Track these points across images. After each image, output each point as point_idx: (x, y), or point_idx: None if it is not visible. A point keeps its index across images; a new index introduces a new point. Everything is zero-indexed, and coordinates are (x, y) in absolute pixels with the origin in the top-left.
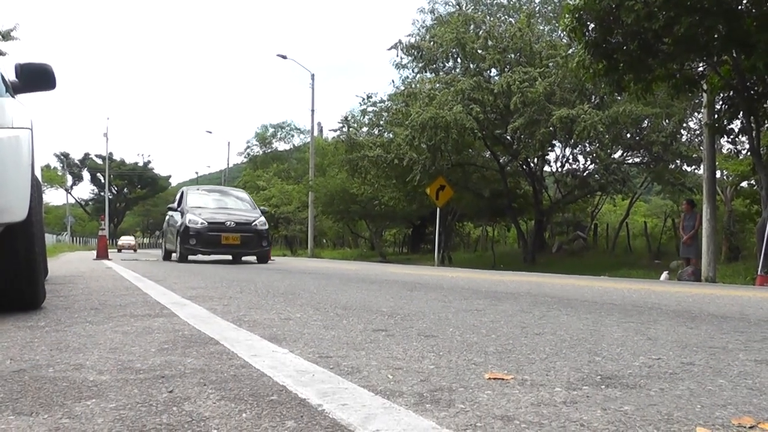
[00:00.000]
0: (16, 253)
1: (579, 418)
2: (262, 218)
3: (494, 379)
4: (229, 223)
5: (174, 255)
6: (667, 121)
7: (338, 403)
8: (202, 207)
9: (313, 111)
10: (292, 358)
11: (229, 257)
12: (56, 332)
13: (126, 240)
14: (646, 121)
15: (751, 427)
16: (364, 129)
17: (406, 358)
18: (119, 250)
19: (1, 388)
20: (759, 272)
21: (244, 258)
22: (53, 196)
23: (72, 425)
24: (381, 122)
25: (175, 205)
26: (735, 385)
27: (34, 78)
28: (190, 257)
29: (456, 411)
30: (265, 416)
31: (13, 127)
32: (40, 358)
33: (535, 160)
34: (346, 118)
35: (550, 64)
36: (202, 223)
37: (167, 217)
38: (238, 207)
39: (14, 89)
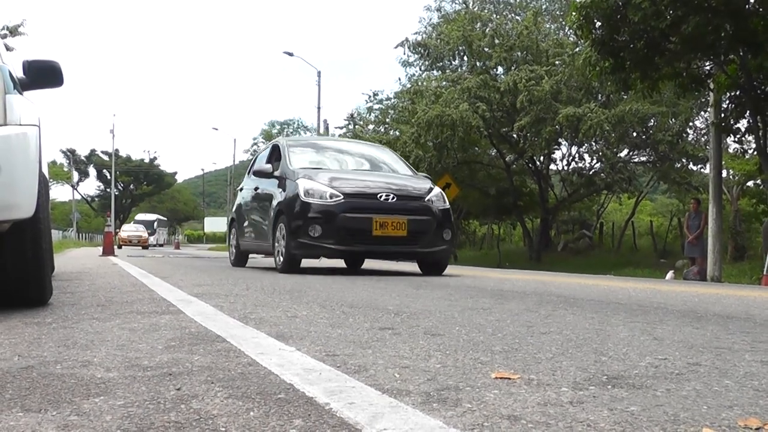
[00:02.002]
0: (23, 250)
1: (586, 418)
2: (438, 189)
3: (501, 378)
4: (384, 195)
5: (261, 257)
6: (673, 119)
7: (345, 402)
8: (324, 169)
9: (319, 108)
10: (298, 357)
11: (368, 260)
12: (63, 329)
13: (130, 231)
14: (652, 120)
15: (757, 429)
16: (371, 126)
17: (413, 357)
18: (120, 246)
19: (10, 384)
20: (765, 272)
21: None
22: (59, 192)
23: (80, 422)
24: (387, 120)
25: (265, 167)
26: (741, 386)
27: (42, 75)
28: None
29: (463, 410)
30: (272, 414)
31: (21, 124)
32: (48, 355)
33: (541, 158)
34: (352, 115)
35: (557, 62)
36: (334, 196)
37: (244, 193)
38: (386, 170)
39: (22, 86)
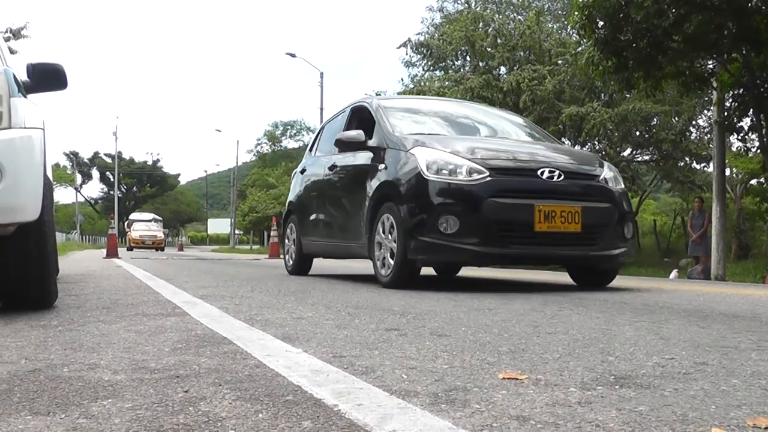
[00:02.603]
0: (28, 253)
1: (594, 418)
2: (611, 166)
3: (508, 378)
4: (548, 171)
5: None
6: (676, 118)
7: (354, 403)
8: (445, 136)
9: (321, 109)
10: (305, 358)
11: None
12: (69, 331)
13: (143, 230)
14: (655, 119)
15: (766, 428)
16: None
17: (420, 358)
18: (131, 247)
19: (18, 388)
20: None
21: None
22: (62, 195)
23: (89, 425)
24: None
25: (352, 134)
26: (749, 385)
27: (46, 78)
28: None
29: (471, 411)
30: (281, 416)
31: (25, 127)
32: (55, 358)
33: None
34: None
35: (560, 62)
36: (475, 172)
37: (308, 175)
38: (531, 140)
39: (26, 89)
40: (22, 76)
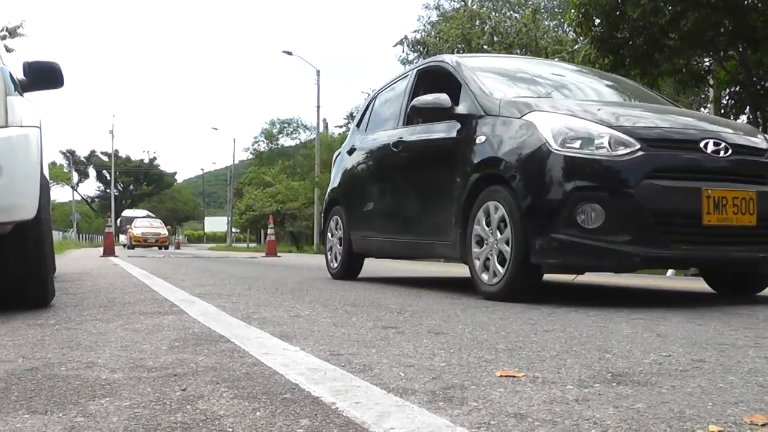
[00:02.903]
0: (25, 251)
1: (592, 415)
2: None
3: (506, 376)
4: (712, 143)
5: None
6: None
7: (352, 401)
8: (559, 99)
9: (318, 107)
10: (303, 356)
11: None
12: (67, 330)
13: (145, 227)
14: None
15: (763, 425)
16: None
17: (417, 356)
18: (132, 246)
19: (15, 386)
20: None
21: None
22: (59, 194)
23: (87, 424)
24: None
25: (432, 99)
26: (746, 382)
27: (42, 76)
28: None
29: (469, 409)
30: (279, 414)
31: (22, 126)
32: (52, 357)
33: None
34: (351, 114)
35: (556, 60)
36: (622, 144)
37: (360, 154)
38: (660, 105)
39: (22, 87)
40: (19, 75)
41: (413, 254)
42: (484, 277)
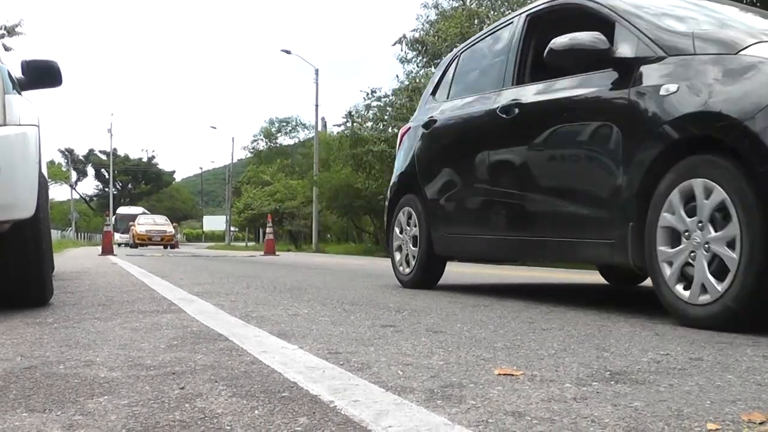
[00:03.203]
0: (24, 250)
1: (590, 414)
2: None
3: (504, 375)
4: None
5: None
6: None
7: (350, 400)
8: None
9: (317, 106)
10: (301, 355)
11: None
12: (65, 329)
13: (149, 225)
14: None
15: (761, 423)
16: (369, 124)
17: (415, 354)
18: (136, 245)
19: (13, 385)
20: None
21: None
22: (57, 192)
23: (85, 422)
24: (385, 117)
25: (584, 39)
26: (743, 380)
27: (41, 75)
28: None
29: (467, 407)
30: (277, 413)
31: (20, 124)
32: (51, 355)
33: None
34: (350, 113)
35: None
36: None
37: (447, 124)
38: None
39: (20, 86)
40: (17, 73)
41: (538, 256)
42: (681, 291)
